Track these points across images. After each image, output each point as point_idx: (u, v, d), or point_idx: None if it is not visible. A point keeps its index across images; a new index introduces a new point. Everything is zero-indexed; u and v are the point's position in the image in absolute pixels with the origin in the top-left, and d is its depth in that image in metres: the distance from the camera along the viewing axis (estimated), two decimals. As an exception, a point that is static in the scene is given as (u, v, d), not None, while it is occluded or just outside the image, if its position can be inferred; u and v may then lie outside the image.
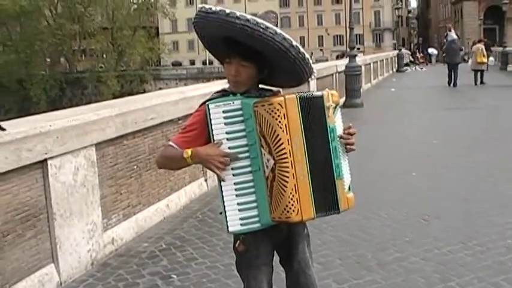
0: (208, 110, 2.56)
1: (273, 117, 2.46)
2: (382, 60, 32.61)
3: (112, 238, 5.30)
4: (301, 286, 2.81)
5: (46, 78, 56.95)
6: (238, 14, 2.44)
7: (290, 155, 2.47)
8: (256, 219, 2.58)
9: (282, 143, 2.46)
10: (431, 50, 54.94)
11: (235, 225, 2.58)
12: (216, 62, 44.77)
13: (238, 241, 2.71)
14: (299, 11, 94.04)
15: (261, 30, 2.43)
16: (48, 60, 61.92)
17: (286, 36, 2.47)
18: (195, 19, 2.58)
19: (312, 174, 2.50)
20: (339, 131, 2.63)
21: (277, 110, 2.46)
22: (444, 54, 25.73)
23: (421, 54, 56.30)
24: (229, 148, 2.56)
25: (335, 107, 2.59)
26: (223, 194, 2.57)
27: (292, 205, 2.47)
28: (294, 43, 2.49)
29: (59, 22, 58.66)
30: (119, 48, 60.88)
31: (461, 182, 7.40)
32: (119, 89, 54.84)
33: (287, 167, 2.47)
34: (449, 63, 23.80)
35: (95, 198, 5.05)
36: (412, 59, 48.69)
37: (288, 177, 2.47)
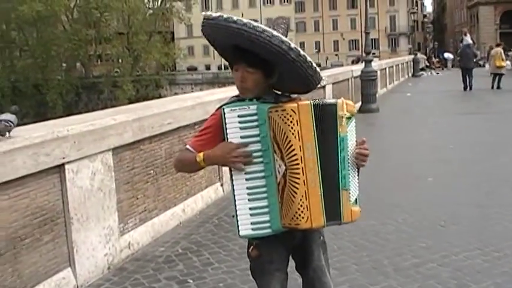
0: (224, 114, 2.56)
1: (285, 123, 2.45)
2: (398, 65, 32.52)
3: (128, 242, 5.32)
4: (317, 294, 2.79)
5: (62, 83, 57.32)
6: (235, 18, 2.46)
7: (301, 162, 2.46)
8: (268, 224, 2.57)
9: (294, 149, 2.45)
10: (447, 55, 54.62)
11: (246, 229, 2.58)
12: (231, 67, 44.74)
13: (252, 246, 2.72)
14: (314, 16, 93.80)
15: (257, 33, 2.44)
16: (64, 65, 62.24)
17: (284, 39, 2.47)
18: (202, 27, 2.60)
19: (323, 182, 2.49)
20: (351, 142, 2.59)
21: (290, 116, 2.45)
22: (459, 59, 25.61)
23: (437, 58, 56.00)
24: None
25: (349, 117, 2.56)
26: (236, 197, 2.58)
27: (302, 212, 2.46)
28: (293, 45, 2.48)
29: (75, 27, 58.99)
30: (135, 53, 61.13)
31: (477, 187, 7.35)
32: (135, 93, 55.07)
33: (298, 174, 2.46)
34: (463, 67, 23.74)
35: (111, 203, 5.08)
36: (428, 64, 48.44)
37: (298, 184, 2.46)
